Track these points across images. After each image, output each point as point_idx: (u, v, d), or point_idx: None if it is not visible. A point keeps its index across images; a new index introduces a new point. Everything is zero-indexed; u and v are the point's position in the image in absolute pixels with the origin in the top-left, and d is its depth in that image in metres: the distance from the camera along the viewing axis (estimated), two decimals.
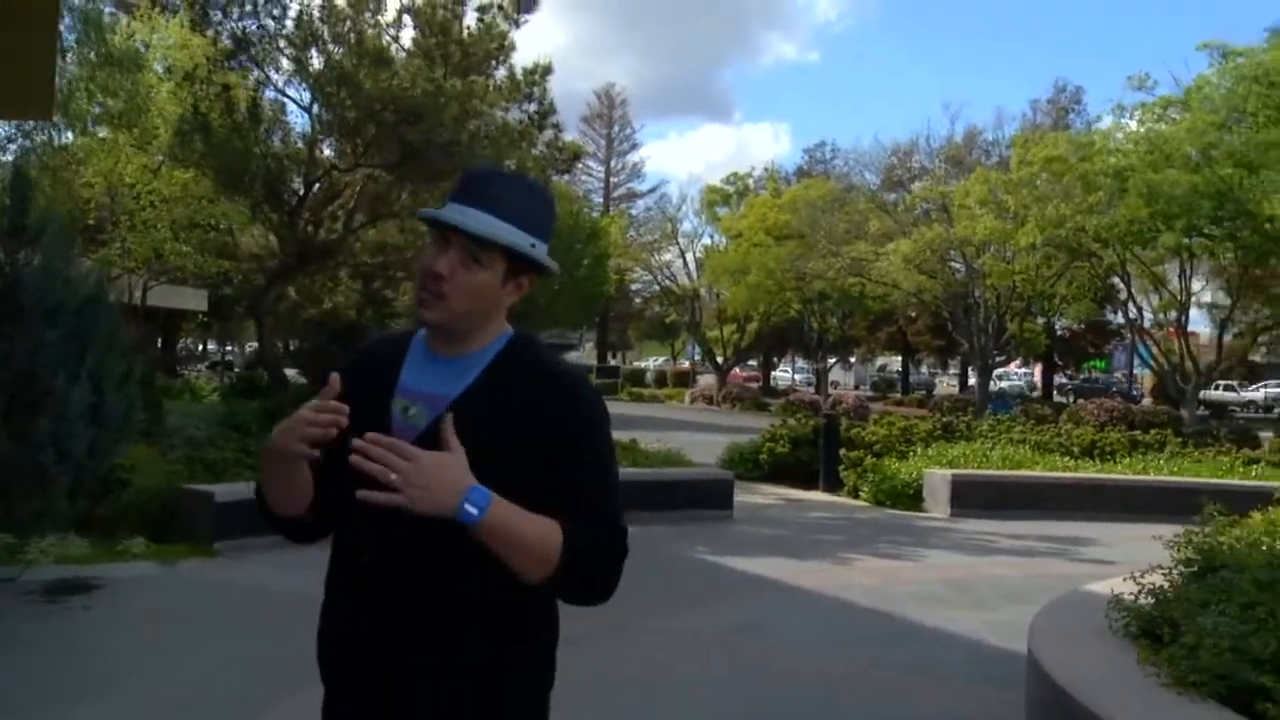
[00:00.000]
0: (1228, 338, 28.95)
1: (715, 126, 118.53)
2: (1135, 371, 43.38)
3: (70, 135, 17.28)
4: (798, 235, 37.55)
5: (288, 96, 14.80)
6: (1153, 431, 17.51)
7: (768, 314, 42.13)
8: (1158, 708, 3.80)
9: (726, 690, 5.79)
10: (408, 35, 14.25)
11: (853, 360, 56.60)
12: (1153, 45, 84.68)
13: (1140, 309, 28.46)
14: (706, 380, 47.57)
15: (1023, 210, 26.50)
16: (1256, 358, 44.03)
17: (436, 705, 1.81)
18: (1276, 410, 41.71)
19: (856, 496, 14.48)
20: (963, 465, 14.18)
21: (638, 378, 52.74)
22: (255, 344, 50.02)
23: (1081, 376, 51.76)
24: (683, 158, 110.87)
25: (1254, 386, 45.79)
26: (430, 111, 12.39)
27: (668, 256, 47.83)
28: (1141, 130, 21.94)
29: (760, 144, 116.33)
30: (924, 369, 61.12)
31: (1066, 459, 15.26)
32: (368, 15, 13.67)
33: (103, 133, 17.38)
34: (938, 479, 13.46)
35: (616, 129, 59.43)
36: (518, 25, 14.01)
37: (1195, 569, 4.89)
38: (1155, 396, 37.91)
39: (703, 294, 46.96)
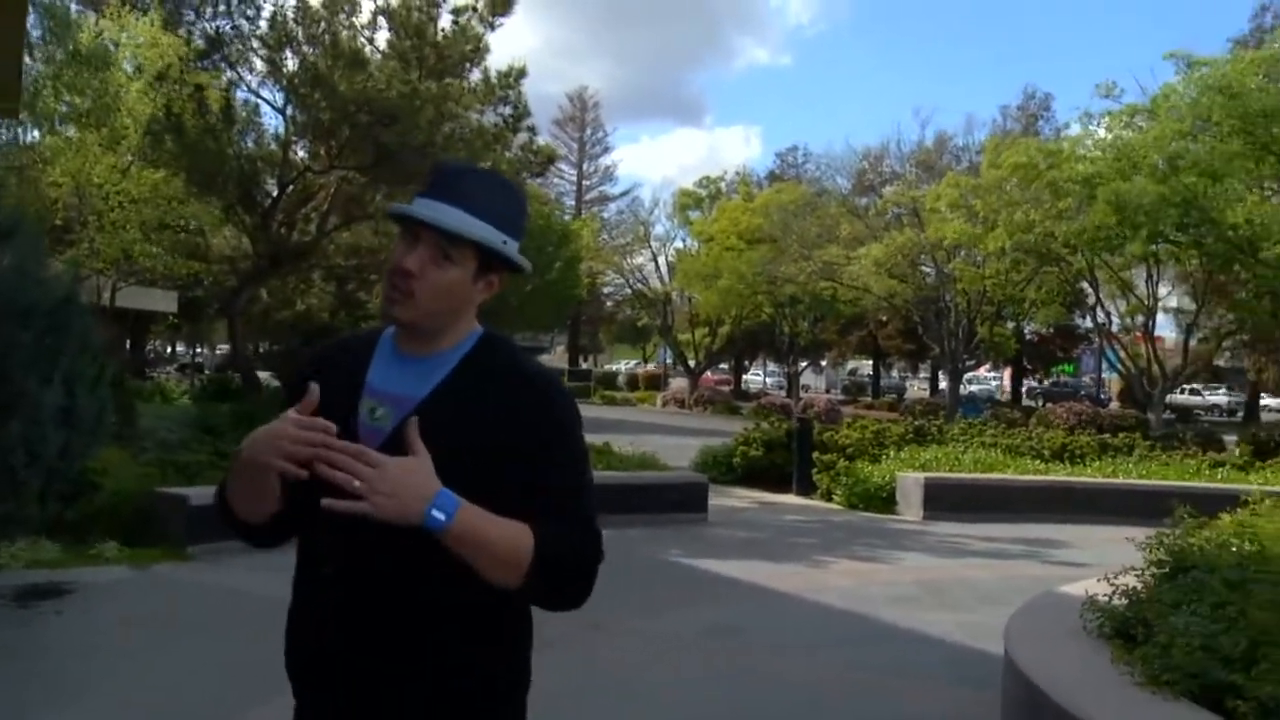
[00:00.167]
0: (1193, 342, 29.35)
1: (687, 130, 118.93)
2: (1103, 376, 43.82)
3: (37, 134, 17.09)
4: (769, 239, 37.71)
5: (261, 98, 14.75)
6: (1121, 435, 17.73)
7: (739, 317, 42.26)
8: (1132, 706, 3.85)
9: (706, 693, 5.81)
10: (382, 37, 14.23)
11: (824, 364, 56.81)
12: (1120, 54, 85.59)
13: (1109, 314, 28.78)
14: (678, 384, 47.63)
15: (992, 215, 26.75)
16: (1220, 362, 44.60)
17: (408, 712, 1.78)
18: (1240, 414, 42.25)
19: (830, 499, 14.56)
20: (935, 468, 14.29)
21: (609, 381, 52.76)
22: (226, 346, 49.83)
23: (1050, 380, 52.21)
24: (655, 161, 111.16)
25: (1206, 389, 46.25)
26: (405, 114, 12.38)
27: (640, 260, 47.95)
28: (1109, 138, 22.19)
29: (732, 148, 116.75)
30: (894, 373, 61.45)
31: (1037, 462, 15.43)
32: (342, 17, 13.64)
33: (70, 132, 17.20)
34: (910, 482, 13.56)
35: (589, 132, 59.47)
36: (493, 28, 14.02)
37: (1167, 570, 4.97)
38: (1123, 400, 38.33)
39: (674, 297, 47.04)
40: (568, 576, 1.78)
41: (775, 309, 41.38)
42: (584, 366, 56.19)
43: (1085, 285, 29.06)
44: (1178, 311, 34.04)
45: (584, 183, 59.06)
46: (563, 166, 55.92)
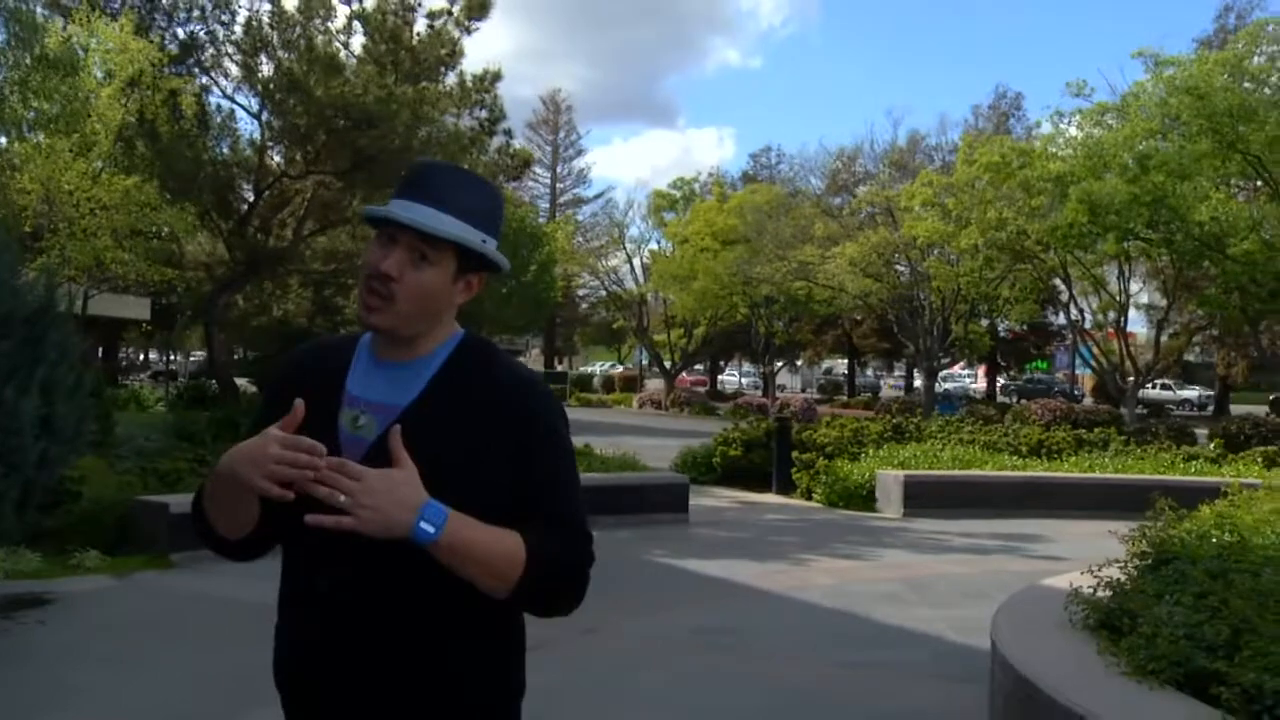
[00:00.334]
0: (1164, 338, 29.68)
1: (660, 132, 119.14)
2: (1077, 372, 44.19)
3: (4, 140, 16.92)
4: (744, 240, 37.82)
5: (236, 103, 14.66)
6: (1097, 430, 17.91)
7: (715, 318, 42.35)
8: (1120, 695, 3.91)
9: (699, 694, 5.82)
10: (357, 42, 14.20)
11: (799, 363, 57.01)
12: (1089, 52, 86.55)
13: (1082, 311, 29.06)
14: (654, 385, 47.68)
15: (965, 213, 26.95)
16: (1190, 357, 45.08)
17: None
18: (1210, 408, 42.72)
19: (809, 498, 14.62)
20: (914, 466, 14.38)
21: (585, 383, 52.75)
22: (199, 353, 49.48)
23: (1024, 377, 52.60)
24: (628, 163, 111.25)
25: (1162, 384, 46.50)
26: (382, 118, 12.36)
27: (614, 262, 47.97)
28: (1080, 136, 22.42)
29: (705, 149, 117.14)
30: (869, 372, 61.74)
31: (1015, 458, 15.57)
32: (317, 22, 13.59)
33: (39, 138, 17.03)
34: (890, 480, 13.64)
35: (562, 135, 59.35)
36: (468, 32, 14.01)
37: (1149, 562, 5.04)
38: (1096, 396, 38.70)
39: (649, 299, 47.08)
40: (560, 584, 1.76)
41: (750, 309, 41.51)
42: (560, 369, 56.13)
43: (1058, 282, 29.30)
44: (1149, 307, 34.43)
45: (558, 185, 58.98)
46: (536, 169, 55.81)
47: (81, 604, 7.46)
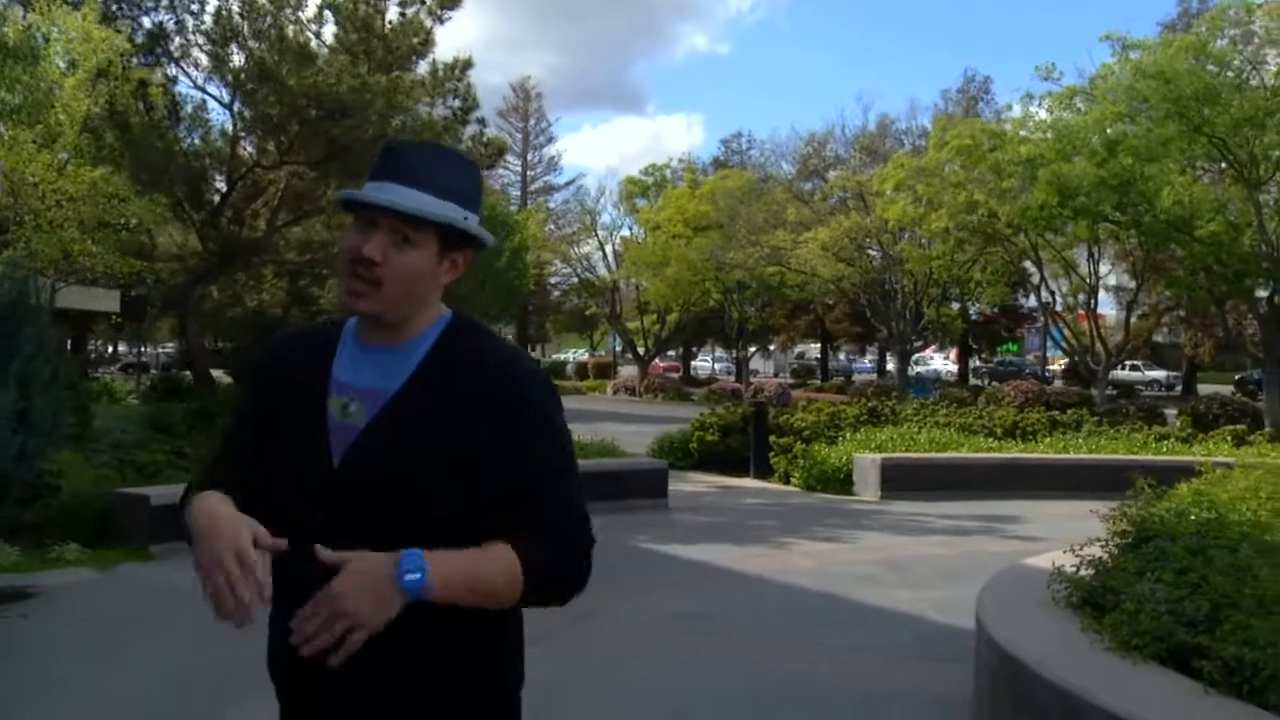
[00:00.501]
0: (1133, 319, 30.02)
1: (629, 118, 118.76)
2: (1049, 354, 44.60)
3: None
4: (716, 226, 37.87)
5: (207, 93, 14.52)
6: (1070, 411, 18.13)
7: (688, 304, 42.42)
8: (1106, 670, 3.99)
9: (686, 679, 5.85)
10: (329, 31, 14.09)
11: (772, 349, 57.21)
12: (1057, 35, 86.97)
13: (1053, 293, 29.34)
14: (627, 371, 47.72)
15: (936, 196, 27.13)
16: (1159, 338, 45.57)
17: (402, 715, 1.74)
18: (1178, 389, 43.24)
19: (787, 482, 14.72)
20: (891, 449, 14.50)
21: (559, 370, 52.71)
22: (168, 345, 49.01)
23: (996, 360, 53.02)
24: (598, 150, 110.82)
25: (1131, 365, 47.04)
26: (356, 107, 12.29)
27: (586, 249, 47.91)
28: (1050, 119, 22.62)
29: (674, 136, 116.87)
30: (842, 355, 62.03)
31: (990, 440, 15.75)
32: (288, 11, 13.47)
33: (1, 129, 16.78)
34: (867, 463, 13.75)
35: (532, 122, 59.18)
36: (441, 21, 13.95)
37: (1130, 540, 5.13)
38: (1066, 377, 39.08)
39: (622, 286, 47.08)
40: (562, 584, 1.75)
41: (723, 295, 41.61)
42: (533, 356, 55.99)
43: (1029, 265, 29.56)
44: (1118, 289, 34.80)
45: (529, 173, 58.85)
46: (508, 157, 55.53)
47: (63, 597, 7.43)
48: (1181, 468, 9.33)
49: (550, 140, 61.63)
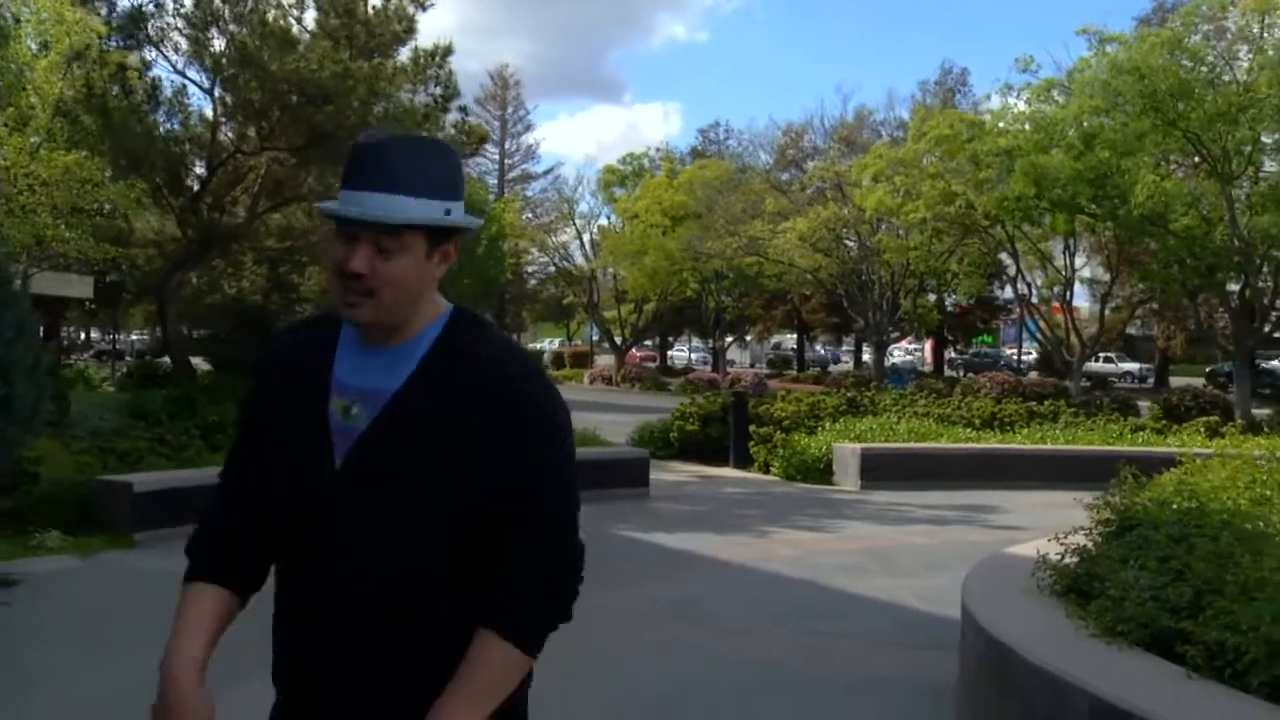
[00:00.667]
0: (1107, 312, 30.32)
1: (606, 107, 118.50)
2: (1024, 345, 44.92)
3: None
4: (694, 216, 37.91)
5: (187, 78, 14.38)
6: (1047, 403, 18.31)
7: (665, 294, 42.46)
8: (1090, 655, 4.06)
9: (673, 667, 5.87)
10: (310, 17, 13.99)
11: (748, 339, 57.35)
12: (1035, 28, 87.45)
13: (1029, 285, 29.57)
14: (604, 361, 47.73)
15: (914, 186, 27.29)
16: (1132, 331, 45.98)
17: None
18: (1151, 380, 43.66)
19: (767, 472, 14.80)
20: (870, 439, 14.60)
21: (535, 359, 52.58)
22: (141, 333, 48.59)
23: (971, 351, 53.34)
24: (575, 139, 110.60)
25: (1104, 357, 47.52)
26: (339, 94, 12.22)
27: (564, 238, 47.84)
28: (1028, 111, 22.82)
29: (651, 124, 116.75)
30: (818, 346, 62.24)
31: (969, 430, 15.89)
32: None
33: None
34: (847, 452, 13.84)
35: (510, 110, 58.88)
36: (423, 8, 13.87)
37: (1113, 528, 5.21)
38: (1041, 369, 39.39)
39: (599, 275, 47.06)
40: (554, 614, 1.72)
41: (700, 285, 41.67)
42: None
43: (1005, 257, 29.79)
44: (1092, 282, 35.11)
45: (506, 161, 58.60)
46: (485, 145, 55.39)
47: (46, 585, 7.40)
48: (1158, 459, 9.45)
49: (528, 128, 61.63)
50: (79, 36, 14.20)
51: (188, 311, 18.36)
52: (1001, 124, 23.58)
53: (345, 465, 1.70)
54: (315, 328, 1.84)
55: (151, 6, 13.67)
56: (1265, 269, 21.53)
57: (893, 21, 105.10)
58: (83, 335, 51.13)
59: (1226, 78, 20.57)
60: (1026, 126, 22.19)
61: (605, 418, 20.29)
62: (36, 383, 8.58)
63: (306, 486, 1.72)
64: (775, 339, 62.87)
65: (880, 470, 13.40)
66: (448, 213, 1.68)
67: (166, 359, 17.57)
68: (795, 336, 55.21)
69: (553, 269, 49.49)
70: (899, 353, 57.51)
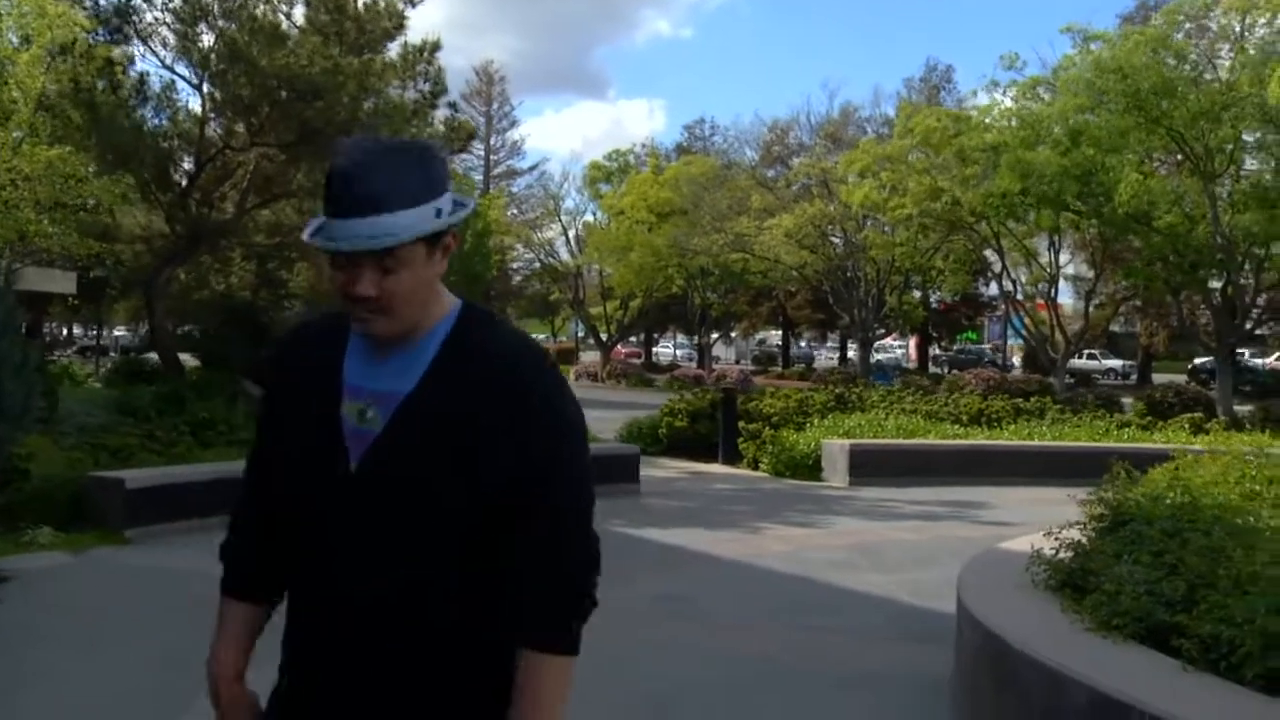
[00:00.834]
0: (1091, 308, 30.54)
1: (591, 103, 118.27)
2: (1009, 342, 45.15)
3: None
4: (680, 212, 37.95)
5: (176, 73, 14.30)
6: (1033, 399, 18.43)
7: (651, 290, 42.49)
8: (1086, 649, 4.11)
9: (668, 662, 5.89)
10: (299, 13, 13.95)
11: (734, 335, 57.46)
12: (1019, 25, 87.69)
13: (1014, 281, 29.75)
14: (589, 357, 47.73)
15: (901, 182, 27.42)
16: (1115, 328, 46.27)
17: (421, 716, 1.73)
18: (1134, 377, 43.96)
19: (756, 468, 14.85)
20: (859, 435, 14.65)
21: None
22: (123, 328, 48.25)
23: (956, 348, 53.58)
24: (560, 134, 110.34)
25: (1088, 354, 47.81)
26: (329, 89, 12.20)
27: (549, 234, 47.80)
28: (1014, 107, 22.96)
29: (636, 121, 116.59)
30: (803, 343, 62.41)
31: (956, 427, 15.97)
32: None
33: None
34: (835, 449, 13.89)
35: (495, 106, 58.84)
36: (413, 4, 13.86)
37: (1107, 523, 5.28)
38: (1025, 366, 39.62)
39: (585, 271, 47.05)
40: (575, 609, 1.74)
41: (686, 281, 41.73)
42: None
43: (990, 254, 29.95)
44: (1076, 279, 35.33)
45: (492, 158, 58.52)
46: (473, 142, 55.25)
47: (39, 582, 7.38)
48: (1145, 454, 9.55)
49: (513, 124, 61.54)
50: (61, 30, 14.09)
51: (175, 307, 18.29)
52: (988, 119, 23.71)
53: (360, 468, 1.70)
54: (322, 328, 1.82)
55: (140, 0, 13.58)
56: (1247, 266, 21.71)
57: (878, 18, 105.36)
58: (65, 331, 50.77)
59: (1209, 76, 20.76)
60: (1013, 123, 22.31)
61: (592, 414, 20.11)
62: (26, 380, 8.53)
63: (320, 488, 1.71)
64: (760, 335, 63.02)
65: (869, 466, 13.46)
66: (439, 213, 1.65)
67: (153, 355, 17.48)
68: (780, 333, 55.33)
69: (538, 265, 49.42)
70: (898, 348, 57.80)
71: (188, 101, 15.47)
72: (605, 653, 6.06)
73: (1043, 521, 6.33)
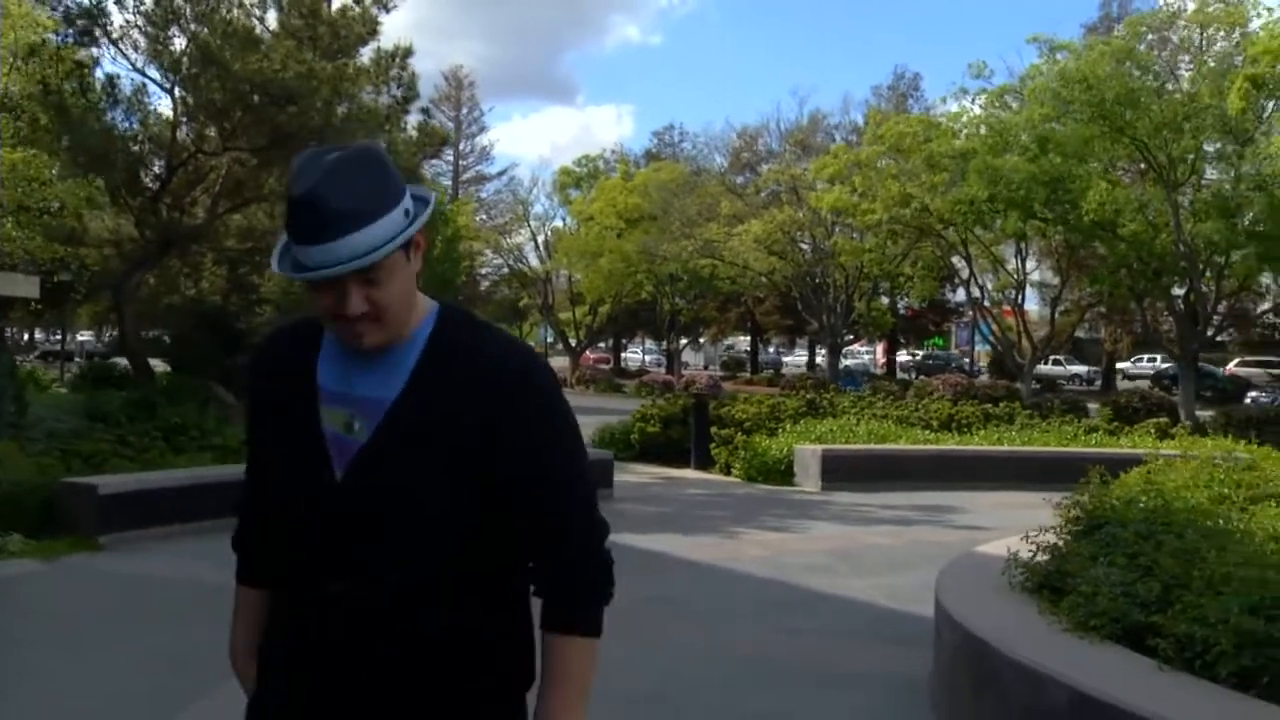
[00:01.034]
0: (1057, 315, 30.90)
1: (559, 109, 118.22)
2: (977, 348, 45.55)
3: None
4: (650, 218, 38.03)
5: (148, 77, 14.19)
6: (1002, 404, 18.63)
7: (620, 296, 42.53)
8: (1064, 649, 4.19)
9: (650, 665, 5.89)
10: (272, 17, 13.90)
11: (702, 341, 57.62)
12: (986, 33, 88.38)
13: (982, 288, 30.05)
14: (558, 363, 47.69)
15: (870, 188, 27.64)
16: (1080, 334, 46.79)
17: (417, 714, 1.73)
18: (1098, 383, 44.49)
19: (728, 473, 14.91)
20: (831, 441, 14.73)
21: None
22: (87, 333, 47.70)
23: (923, 354, 53.96)
24: (528, 140, 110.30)
25: (1054, 360, 48.30)
26: (303, 94, 12.16)
27: (518, 239, 47.73)
28: (983, 115, 23.23)
29: (604, 127, 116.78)
30: (771, 348, 62.64)
31: (927, 432, 16.11)
32: None
33: None
34: (808, 454, 13.98)
35: (465, 111, 58.68)
36: (387, 10, 13.85)
37: (1082, 526, 5.37)
38: (992, 372, 39.98)
39: (554, 277, 47.04)
40: (596, 582, 1.76)
41: (655, 287, 41.80)
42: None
43: (958, 260, 30.24)
44: (1042, 285, 35.74)
45: (461, 163, 58.36)
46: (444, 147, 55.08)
47: (11, 588, 7.32)
48: (1113, 459, 9.70)
49: (482, 130, 61.33)
50: (25, 31, 13.97)
51: (145, 312, 18.13)
52: (957, 126, 23.98)
53: (347, 477, 1.69)
54: (297, 331, 1.80)
55: (110, 3, 13.46)
56: (1208, 274, 22.06)
57: (847, 26, 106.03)
58: (26, 336, 50.07)
59: (1171, 87, 21.11)
60: (982, 130, 22.58)
61: None
62: None
63: (306, 496, 1.71)
64: (728, 341, 63.21)
65: (841, 472, 13.55)
66: (407, 213, 1.64)
67: (121, 360, 17.32)
68: (749, 339, 55.51)
69: (506, 270, 49.34)
70: (865, 354, 58.10)
71: (159, 105, 15.35)
72: (605, 653, 6.11)
73: (1016, 525, 6.42)
